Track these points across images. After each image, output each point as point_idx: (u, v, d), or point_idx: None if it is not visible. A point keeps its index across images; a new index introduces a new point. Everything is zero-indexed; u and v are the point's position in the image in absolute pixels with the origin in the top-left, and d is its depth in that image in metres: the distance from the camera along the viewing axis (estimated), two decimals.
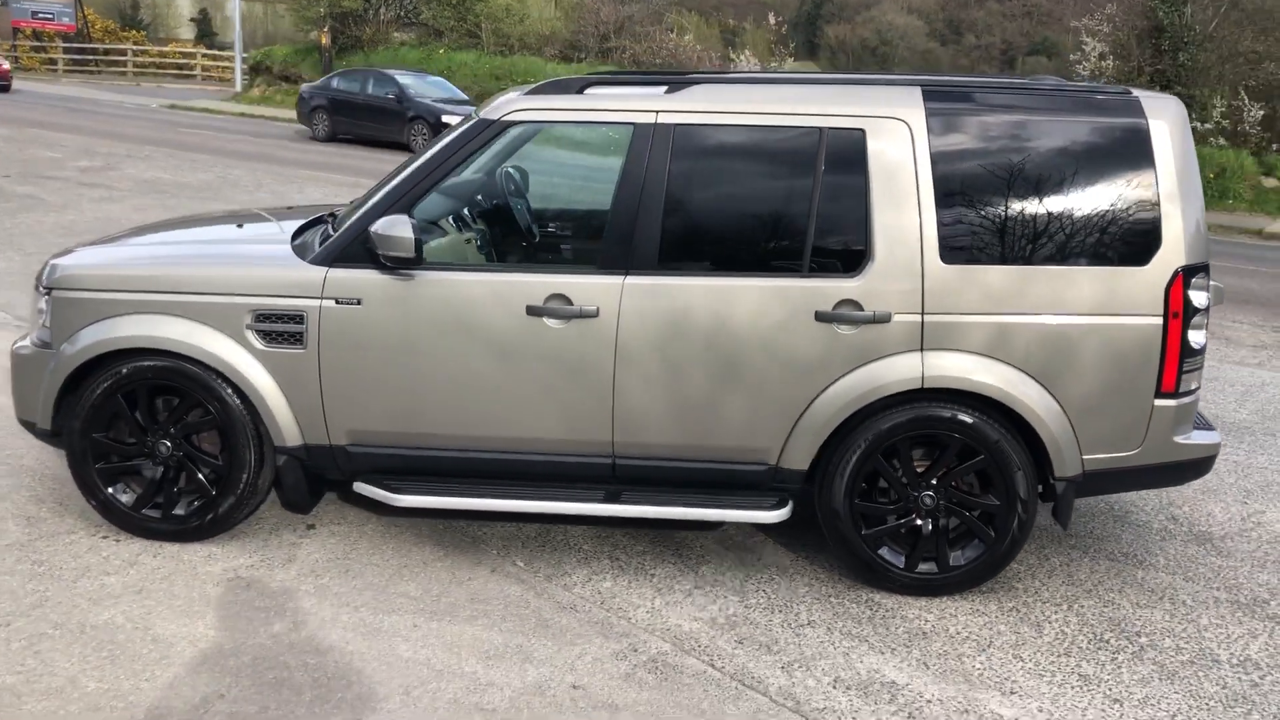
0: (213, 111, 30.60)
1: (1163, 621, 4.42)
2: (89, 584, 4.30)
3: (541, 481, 4.58)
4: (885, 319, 4.27)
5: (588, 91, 4.45)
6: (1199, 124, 19.96)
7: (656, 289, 4.32)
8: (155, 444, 4.62)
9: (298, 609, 4.21)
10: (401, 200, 4.41)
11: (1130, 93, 4.42)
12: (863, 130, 4.30)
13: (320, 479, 4.75)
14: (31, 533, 4.70)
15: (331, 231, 4.68)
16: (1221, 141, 19.78)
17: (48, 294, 4.61)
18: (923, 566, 4.48)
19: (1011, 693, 3.88)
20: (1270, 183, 18.55)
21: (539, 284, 4.36)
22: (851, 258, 4.31)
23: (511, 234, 4.63)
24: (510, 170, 5.19)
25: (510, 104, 4.42)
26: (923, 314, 4.27)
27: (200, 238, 5.08)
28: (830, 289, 4.29)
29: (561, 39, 30.15)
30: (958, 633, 4.27)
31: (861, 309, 4.27)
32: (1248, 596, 4.66)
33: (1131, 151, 4.27)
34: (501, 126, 4.41)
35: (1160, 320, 4.27)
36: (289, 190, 15.51)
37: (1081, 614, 4.44)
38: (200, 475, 4.63)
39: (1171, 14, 19.66)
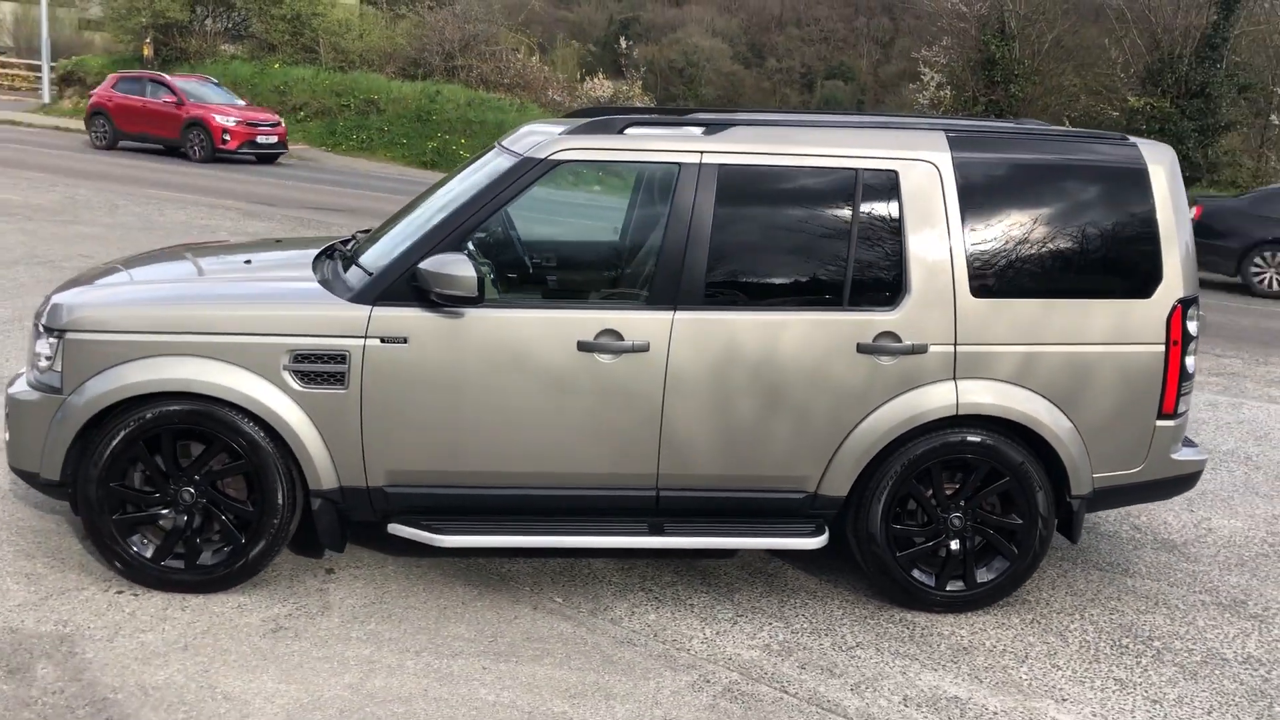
0: (15, 124, 28.71)
1: (1166, 625, 4.79)
2: (127, 643, 4.07)
3: (584, 516, 4.59)
4: (922, 350, 4.49)
5: (628, 132, 4.51)
6: None
7: (705, 323, 4.42)
8: (178, 491, 4.41)
9: (359, 657, 4.10)
10: (448, 238, 4.37)
11: (1128, 139, 4.79)
12: (896, 172, 4.51)
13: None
14: (37, 591, 4.40)
15: (362, 268, 4.57)
16: None
17: (58, 336, 4.34)
18: (951, 585, 4.72)
19: (1064, 700, 4.14)
20: None
21: (589, 319, 4.39)
22: (888, 292, 4.51)
23: (558, 270, 4.64)
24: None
25: (556, 143, 4.43)
26: (955, 344, 4.51)
27: (220, 274, 4.86)
28: (871, 321, 4.48)
29: (404, 56, 29.70)
30: (994, 646, 4.51)
31: (900, 340, 4.48)
32: (1227, 598, 5.09)
33: (1134, 193, 4.64)
34: (549, 165, 4.42)
35: (1163, 348, 4.65)
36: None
37: (1095, 622, 4.76)
38: (228, 522, 4.44)
39: (1002, 48, 20.99)
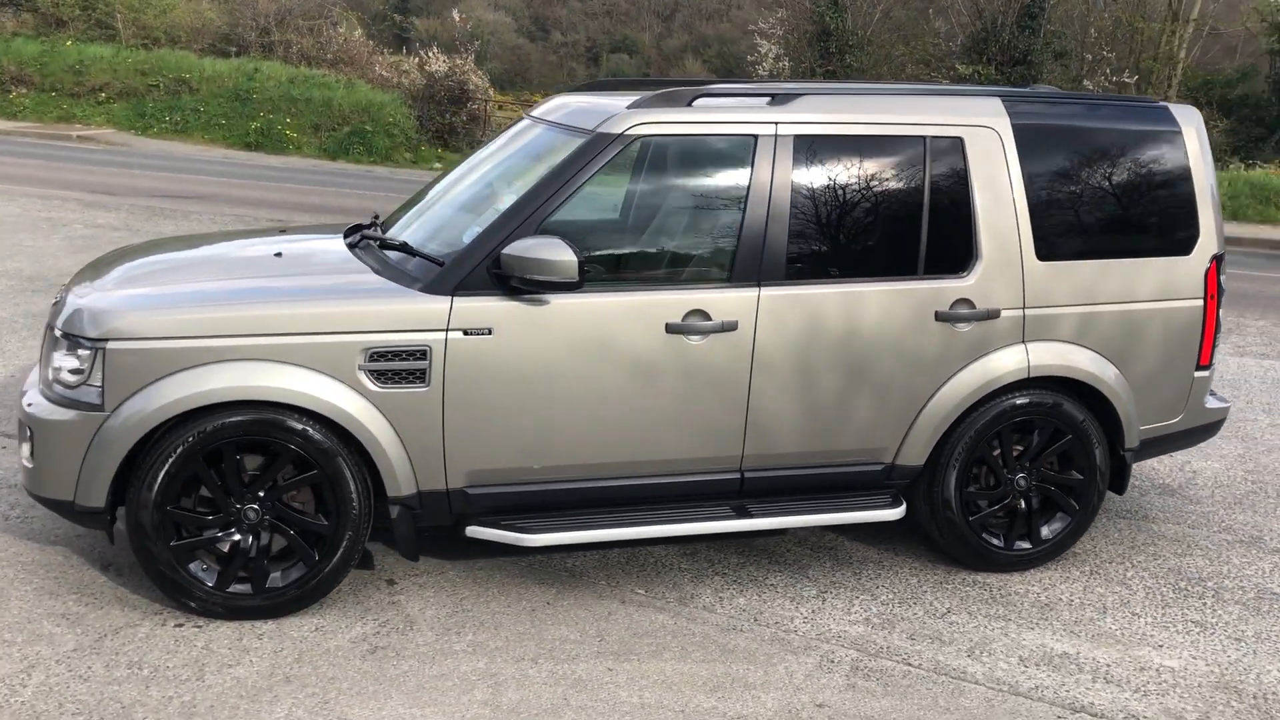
0: None
1: (1208, 566, 5.02)
2: (221, 680, 3.67)
3: (668, 503, 4.44)
4: (995, 315, 4.53)
5: (697, 103, 4.35)
6: None
7: (791, 298, 4.32)
8: (241, 510, 4.01)
9: (476, 671, 3.83)
10: (528, 220, 4.10)
11: (1158, 102, 4.96)
12: (961, 138, 4.52)
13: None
14: (87, 633, 3.92)
15: (423, 256, 4.26)
16: None
17: (94, 346, 3.85)
18: (1019, 544, 4.80)
19: (1160, 646, 4.29)
20: None
21: (677, 301, 4.22)
22: (960, 258, 4.53)
23: (638, 251, 4.43)
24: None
25: (630, 118, 4.22)
26: (1024, 308, 4.58)
27: (260, 269, 4.41)
28: (947, 289, 4.49)
29: (214, 32, 28.05)
30: (1071, 600, 4.63)
31: (974, 306, 4.51)
32: (1245, 535, 5.39)
33: (1171, 154, 4.81)
34: (626, 141, 4.21)
35: (1201, 302, 4.85)
36: None
37: (1145, 569, 4.95)
38: (298, 539, 4.07)
39: (835, 19, 21.56)
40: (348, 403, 3.96)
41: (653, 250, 4.35)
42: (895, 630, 4.30)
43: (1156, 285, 4.77)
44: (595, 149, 4.19)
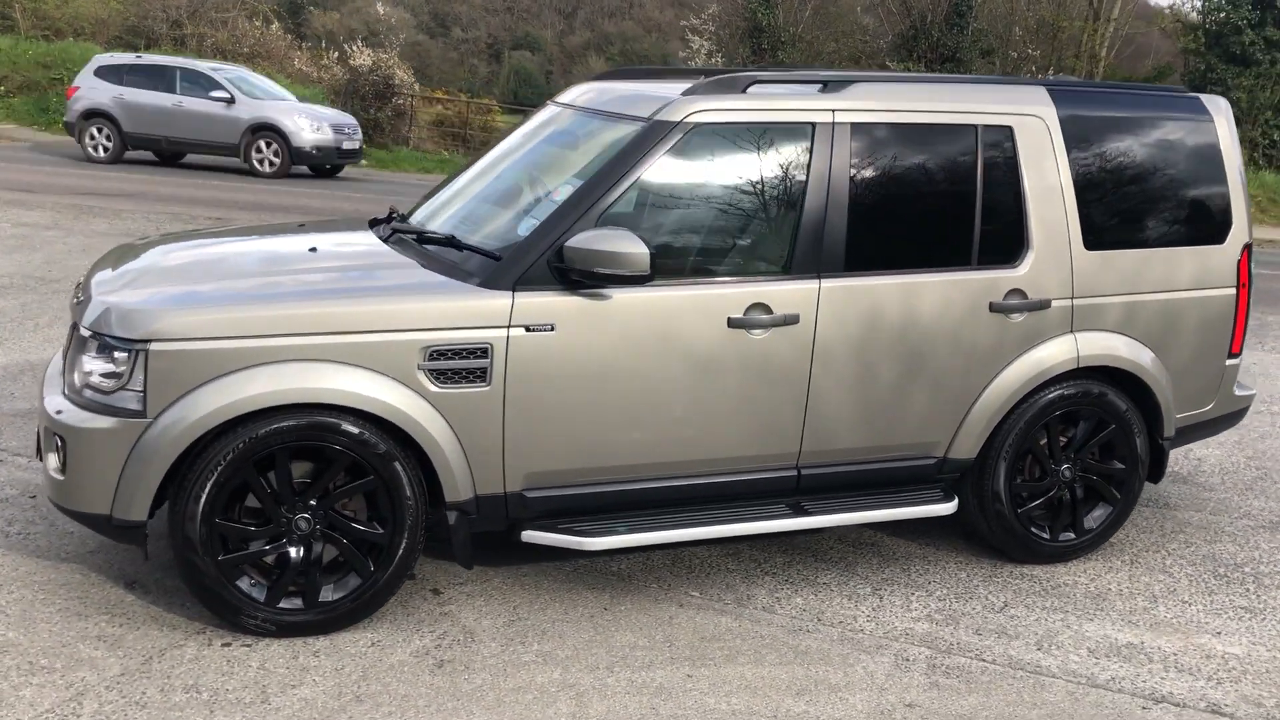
0: None
1: (1240, 551, 5.07)
2: (289, 702, 3.44)
3: (723, 503, 4.32)
4: (1046, 305, 4.50)
5: (751, 90, 4.23)
6: None
7: (850, 290, 4.23)
8: (292, 520, 3.77)
9: (554, 683, 3.66)
10: (589, 212, 3.93)
11: (1188, 92, 4.98)
12: (1011, 127, 4.48)
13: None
14: (130, 655, 3.64)
15: (473, 249, 4.06)
16: None
17: (133, 348, 3.58)
18: (1063, 535, 4.79)
19: (1218, 633, 4.30)
20: None
21: (739, 294, 4.10)
22: (1012, 248, 4.48)
23: (697, 243, 4.27)
24: None
25: (688, 105, 4.08)
26: (1073, 298, 4.56)
27: (301, 265, 4.16)
28: (1001, 279, 4.44)
29: (121, 23, 27.03)
30: (1120, 590, 4.62)
31: (1026, 296, 4.47)
32: (1265, 520, 5.46)
33: (1206, 144, 4.83)
34: (685, 129, 4.06)
35: (1234, 291, 4.89)
36: None
37: (1182, 556, 4.98)
38: (353, 549, 3.85)
39: (768, 15, 21.64)
40: (407, 404, 3.75)
41: (712, 242, 4.22)
42: (960, 626, 4.24)
43: (1193, 274, 4.79)
44: (654, 137, 4.04)
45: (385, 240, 4.45)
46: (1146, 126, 4.74)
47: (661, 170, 4.08)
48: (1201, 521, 5.40)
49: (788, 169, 4.23)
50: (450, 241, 4.16)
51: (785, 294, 4.14)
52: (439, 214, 4.64)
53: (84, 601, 3.98)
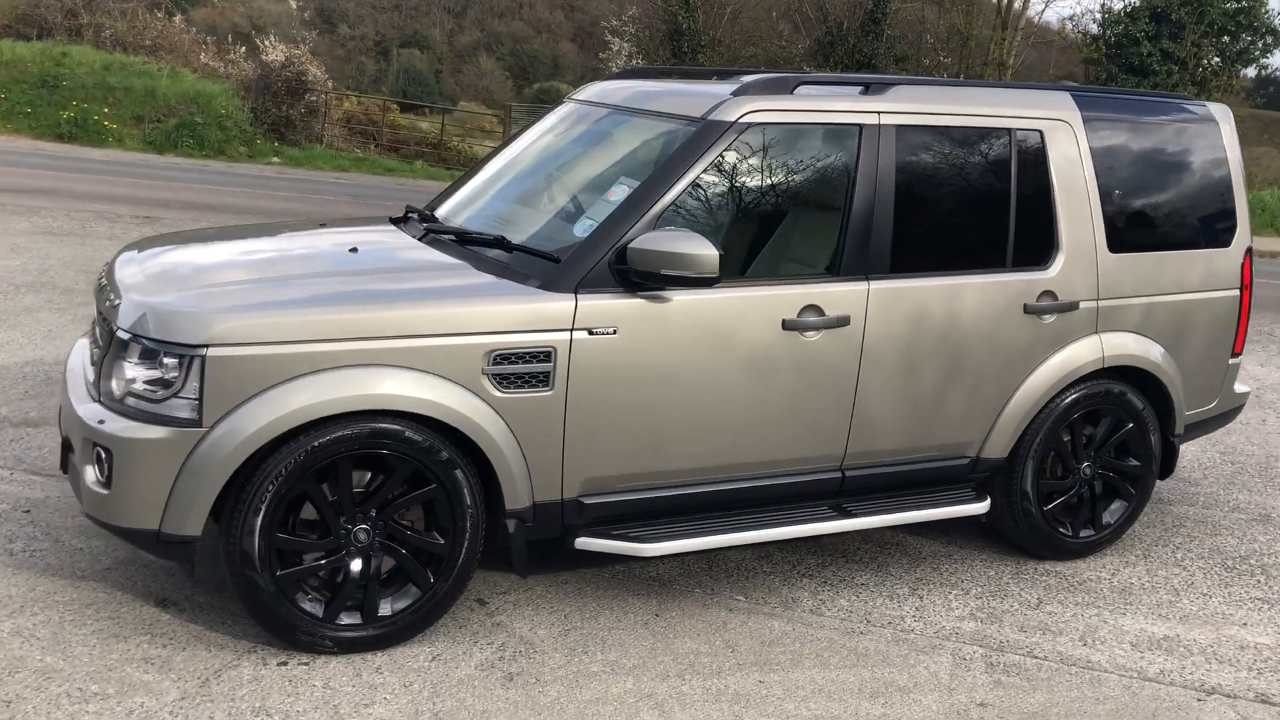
0: None
1: (1243, 544, 5.24)
2: None
3: (769, 505, 4.29)
4: (1075, 306, 4.59)
5: (799, 91, 4.22)
6: None
7: (896, 292, 4.25)
8: (351, 531, 3.62)
9: (630, 693, 3.59)
10: (649, 213, 3.87)
11: (1193, 99, 5.14)
12: (1041, 131, 4.56)
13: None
14: (184, 679, 3.45)
15: (525, 250, 3.96)
16: None
17: (186, 354, 3.39)
18: (1084, 532, 4.89)
19: (1245, 624, 4.43)
20: None
21: (793, 296, 4.08)
22: (1043, 251, 4.56)
23: (750, 245, 4.22)
24: None
25: (741, 105, 4.04)
26: (1098, 299, 4.66)
27: (345, 266, 4.00)
28: (1034, 281, 4.51)
29: (11, 11, 25.81)
30: (1143, 584, 4.74)
31: (1057, 299, 4.55)
32: (1255, 513, 5.67)
33: (1213, 150, 4.99)
34: (740, 129, 4.03)
35: (1238, 292, 5.06)
36: None
37: (1190, 550, 5.13)
38: (412, 561, 3.72)
39: (688, 19, 21.74)
40: (472, 409, 3.64)
41: (764, 242, 4.19)
42: (1004, 624, 4.29)
43: (1203, 276, 4.94)
44: (709, 137, 4.00)
45: (421, 240, 4.32)
46: (1160, 133, 4.88)
47: (714, 170, 4.04)
48: (1197, 516, 5.58)
49: (836, 170, 4.23)
50: (500, 243, 4.05)
51: (837, 295, 4.14)
52: (465, 212, 4.53)
53: (117, 622, 3.76)
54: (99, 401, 3.60)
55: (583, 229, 3.97)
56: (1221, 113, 5.10)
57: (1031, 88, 4.76)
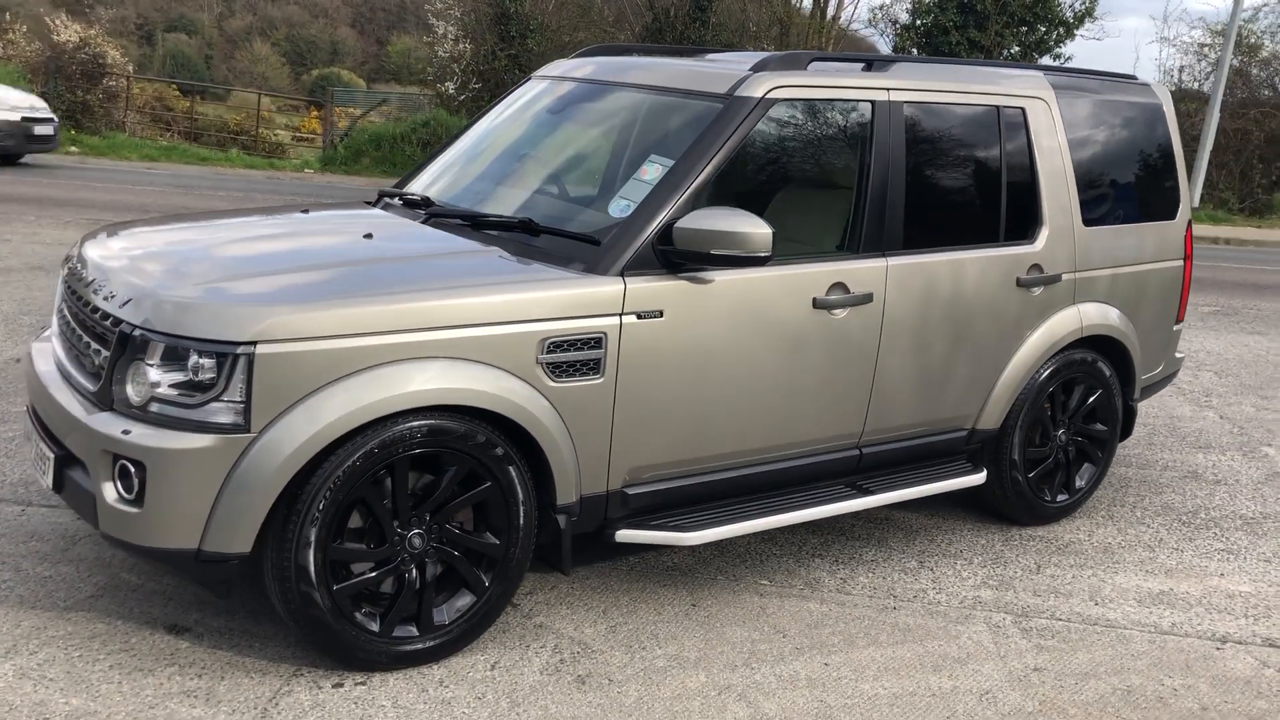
0: None
1: (1185, 500, 5.54)
2: None
3: (791, 486, 4.26)
4: (1058, 279, 4.74)
5: (812, 66, 4.18)
6: None
7: (910, 268, 4.28)
8: (405, 537, 3.37)
9: (710, 685, 3.48)
10: (687, 192, 3.74)
11: (1138, 78, 5.39)
12: (1023, 109, 4.68)
13: None
14: (239, 709, 3.13)
15: (558, 232, 3.78)
16: None
17: (229, 353, 3.06)
18: (1059, 496, 5.07)
19: (1222, 575, 4.70)
20: None
21: (821, 273, 4.05)
22: (1030, 225, 4.69)
23: (779, 221, 4.10)
24: None
25: (765, 81, 3.96)
26: (1076, 271, 4.83)
27: (373, 254, 3.68)
28: (1024, 255, 4.63)
29: None
30: (1121, 543, 4.95)
31: (1044, 271, 4.69)
32: (1183, 470, 6.01)
33: (1160, 126, 5.25)
34: (766, 105, 3.95)
35: (1181, 262, 5.35)
36: None
37: (1145, 509, 5.39)
38: (467, 565, 3.49)
39: (515, 3, 21.43)
40: (529, 401, 3.44)
41: (791, 220, 4.13)
42: (1016, 590, 4.40)
43: (1155, 247, 5.20)
44: (738, 114, 3.90)
45: (424, 223, 4.06)
46: (1118, 110, 5.09)
47: (742, 148, 3.95)
48: (1137, 476, 5.88)
49: (854, 146, 4.22)
50: (526, 225, 3.84)
51: (860, 272, 4.13)
52: (454, 193, 4.31)
53: (133, 654, 3.38)
54: (113, 409, 3.21)
55: (619, 209, 3.81)
56: (1162, 91, 5.37)
57: (1010, 67, 4.88)
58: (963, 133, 4.52)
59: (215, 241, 3.82)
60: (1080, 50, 62.90)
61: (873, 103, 4.22)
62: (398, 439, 3.24)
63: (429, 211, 4.14)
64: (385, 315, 3.23)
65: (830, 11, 24.46)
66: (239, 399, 3.08)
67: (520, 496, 3.51)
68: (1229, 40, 21.42)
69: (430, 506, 3.39)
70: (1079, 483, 5.13)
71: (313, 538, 3.17)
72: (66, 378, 3.53)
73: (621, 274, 3.61)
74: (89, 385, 3.36)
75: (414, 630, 3.41)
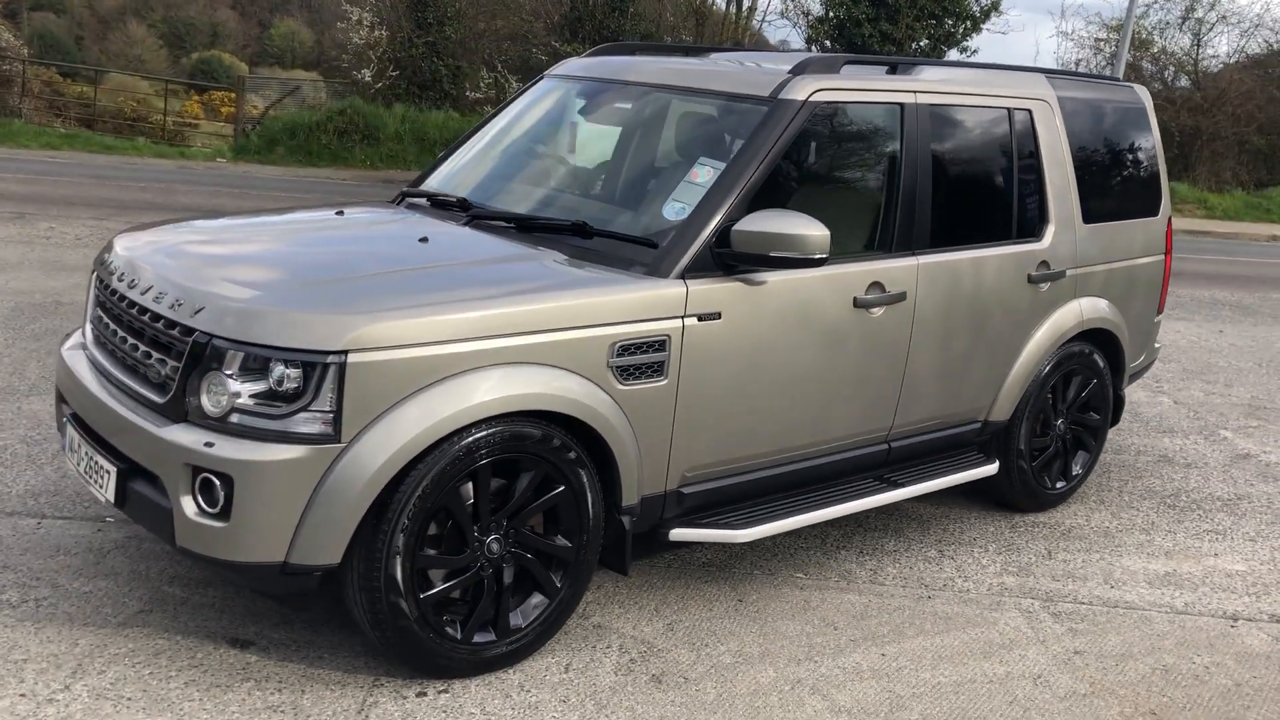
0: None
1: (1163, 484, 5.80)
2: None
3: (830, 481, 4.35)
4: (1063, 275, 4.92)
5: (844, 70, 4.26)
6: (470, 94, 21.92)
7: (937, 266, 4.40)
8: (483, 543, 3.36)
9: (777, 680, 3.55)
10: (740, 194, 3.79)
11: (1127, 83, 5.61)
12: (1030, 110, 4.84)
13: None
14: None
15: (608, 234, 3.81)
16: (490, 110, 21.98)
17: (327, 360, 3.02)
18: (1058, 484, 5.27)
19: (1217, 555, 4.95)
20: None
21: (860, 273, 4.14)
22: (1037, 223, 4.85)
23: (825, 222, 4.16)
24: None
25: (807, 84, 4.03)
26: (1076, 267, 5.01)
27: (435, 258, 3.64)
28: (1034, 252, 4.80)
29: None
30: (1119, 527, 5.17)
31: (1050, 268, 4.87)
32: (1154, 455, 6.29)
33: (1144, 126, 5.48)
34: (811, 108, 4.01)
35: (1162, 257, 5.60)
36: None
37: (1131, 494, 5.63)
38: (542, 568, 3.50)
39: None
40: (601, 404, 3.46)
41: (830, 220, 4.19)
42: (1035, 576, 4.57)
43: (1142, 243, 5.43)
44: (784, 117, 3.96)
45: (468, 226, 4.04)
46: (1108, 110, 5.29)
47: (788, 150, 4.01)
48: (1115, 462, 6.13)
49: (886, 147, 4.32)
50: (580, 229, 3.84)
51: (895, 272, 4.24)
52: (488, 195, 4.29)
53: (205, 670, 3.31)
54: (187, 420, 3.13)
55: (673, 212, 3.84)
56: (1145, 93, 5.60)
57: (1015, 69, 5.04)
58: (979, 134, 4.66)
59: (270, 245, 3.75)
60: (985, 44, 64.69)
61: (902, 105, 4.32)
62: (482, 444, 3.23)
63: (470, 214, 4.11)
64: (471, 322, 3.21)
65: (746, 3, 24.62)
66: (328, 408, 3.04)
67: (590, 499, 3.52)
68: (1125, 35, 22.26)
69: (508, 511, 3.38)
70: (1075, 470, 5.33)
71: (402, 546, 3.14)
72: (119, 387, 3.43)
73: (682, 277, 3.65)
74: (153, 396, 3.27)
75: (492, 635, 3.41)
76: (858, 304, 4.11)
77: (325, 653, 3.47)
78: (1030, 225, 4.82)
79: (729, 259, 3.72)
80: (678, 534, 3.87)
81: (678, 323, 3.62)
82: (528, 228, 3.96)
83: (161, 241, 3.75)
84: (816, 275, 3.99)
